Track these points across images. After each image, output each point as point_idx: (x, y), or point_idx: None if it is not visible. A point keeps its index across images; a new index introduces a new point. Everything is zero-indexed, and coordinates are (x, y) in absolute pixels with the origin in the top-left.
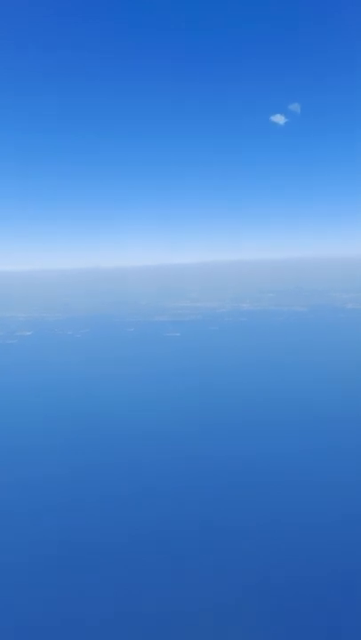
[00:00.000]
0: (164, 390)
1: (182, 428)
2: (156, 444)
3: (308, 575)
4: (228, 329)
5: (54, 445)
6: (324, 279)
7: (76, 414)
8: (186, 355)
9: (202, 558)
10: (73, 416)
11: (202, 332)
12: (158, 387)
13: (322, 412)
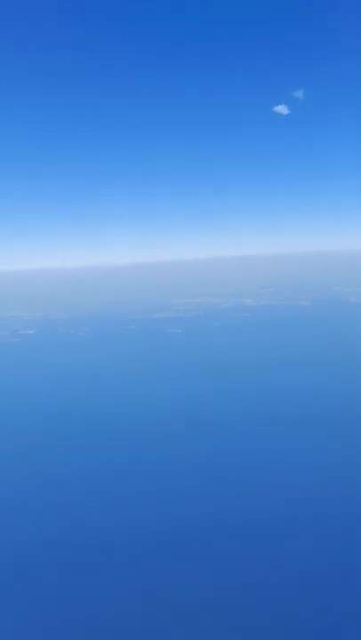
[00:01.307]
0: (166, 388)
1: (184, 425)
2: (159, 442)
3: (307, 574)
4: (231, 324)
5: (57, 444)
6: (327, 273)
7: (78, 412)
8: (188, 351)
9: (202, 558)
10: (75, 414)
11: (204, 328)
12: (160, 384)
13: (324, 411)
